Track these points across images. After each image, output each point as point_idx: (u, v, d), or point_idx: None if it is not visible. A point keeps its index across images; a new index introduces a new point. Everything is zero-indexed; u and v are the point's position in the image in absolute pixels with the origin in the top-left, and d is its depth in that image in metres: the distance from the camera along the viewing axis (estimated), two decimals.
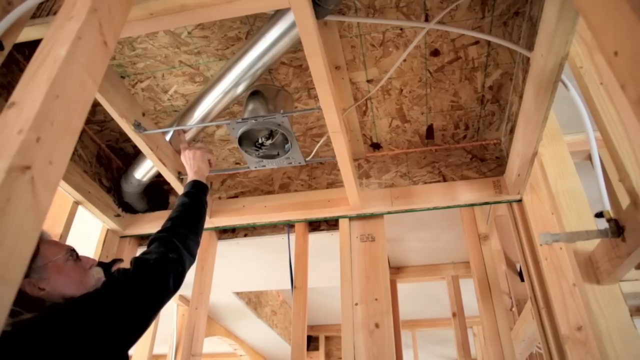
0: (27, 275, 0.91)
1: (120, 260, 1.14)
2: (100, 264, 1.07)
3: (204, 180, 1.44)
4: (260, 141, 1.52)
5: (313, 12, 1.06)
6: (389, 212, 1.81)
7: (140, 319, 0.97)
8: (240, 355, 4.37)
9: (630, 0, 0.46)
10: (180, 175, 1.68)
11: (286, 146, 1.51)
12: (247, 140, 1.51)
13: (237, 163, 2.02)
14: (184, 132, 1.57)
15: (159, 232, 1.19)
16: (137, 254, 2.01)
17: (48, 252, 0.97)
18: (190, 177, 1.46)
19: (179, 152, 1.61)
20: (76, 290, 0.95)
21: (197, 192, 1.38)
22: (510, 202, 1.74)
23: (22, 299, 0.85)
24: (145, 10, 1.04)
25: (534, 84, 1.17)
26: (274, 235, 1.98)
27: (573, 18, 0.94)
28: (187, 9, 1.05)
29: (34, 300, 0.90)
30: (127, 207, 1.99)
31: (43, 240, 0.99)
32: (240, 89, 1.41)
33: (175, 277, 1.08)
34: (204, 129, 1.77)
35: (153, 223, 1.98)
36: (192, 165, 1.48)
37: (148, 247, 1.15)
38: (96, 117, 1.78)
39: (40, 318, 0.86)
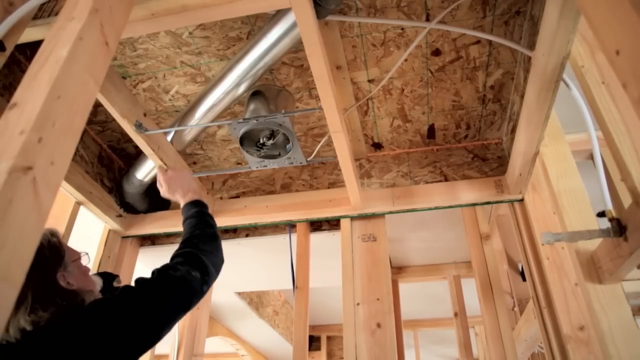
0: (61, 269, 0.93)
1: (118, 276, 1.17)
2: (103, 274, 1.09)
3: (204, 199, 1.33)
4: (261, 141, 1.52)
5: (314, 12, 1.06)
6: (391, 212, 1.81)
7: (156, 331, 0.95)
8: (242, 356, 4.37)
9: None
10: None
11: (287, 146, 1.51)
12: (248, 140, 1.51)
13: (238, 163, 2.02)
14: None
15: (182, 247, 1.12)
16: (139, 255, 2.04)
17: (71, 252, 0.99)
18: (189, 198, 1.30)
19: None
20: (90, 292, 0.97)
21: (201, 216, 1.24)
22: (511, 202, 1.74)
23: (52, 291, 0.88)
24: (147, 11, 1.04)
25: (536, 83, 1.17)
26: (276, 235, 1.98)
27: (574, 17, 0.94)
28: (188, 9, 1.05)
29: (65, 292, 0.91)
30: (128, 208, 1.99)
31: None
32: (241, 89, 1.41)
33: (197, 296, 1.04)
34: (205, 129, 1.77)
35: (154, 223, 1.98)
36: (187, 186, 1.35)
37: (171, 260, 1.09)
38: (98, 118, 1.78)
39: (58, 321, 0.86)
